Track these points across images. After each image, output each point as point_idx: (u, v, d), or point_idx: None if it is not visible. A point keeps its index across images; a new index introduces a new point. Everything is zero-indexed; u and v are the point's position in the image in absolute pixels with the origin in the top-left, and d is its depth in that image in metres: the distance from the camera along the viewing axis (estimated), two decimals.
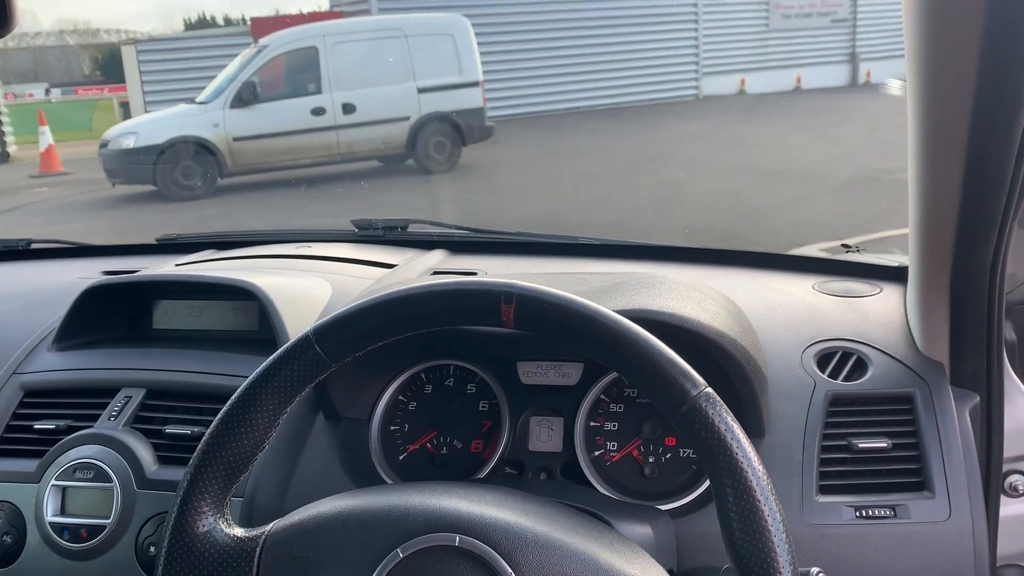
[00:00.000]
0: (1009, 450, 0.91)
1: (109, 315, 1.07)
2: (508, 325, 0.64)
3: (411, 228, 1.40)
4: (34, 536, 0.88)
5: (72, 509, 0.88)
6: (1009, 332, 0.97)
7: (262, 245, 1.37)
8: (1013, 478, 0.93)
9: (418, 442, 0.97)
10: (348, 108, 9.34)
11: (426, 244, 1.33)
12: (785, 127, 9.40)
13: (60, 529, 0.87)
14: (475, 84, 9.85)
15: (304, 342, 0.66)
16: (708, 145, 8.48)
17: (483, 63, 9.98)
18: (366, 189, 8.75)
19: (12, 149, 14.03)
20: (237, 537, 0.65)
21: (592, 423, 0.93)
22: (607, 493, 0.89)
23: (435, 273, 1.19)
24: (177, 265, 1.27)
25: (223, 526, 0.65)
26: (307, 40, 9.70)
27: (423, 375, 0.99)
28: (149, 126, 9.75)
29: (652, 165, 8.23)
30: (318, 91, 9.53)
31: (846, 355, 0.92)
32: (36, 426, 0.95)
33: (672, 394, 0.60)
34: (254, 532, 0.66)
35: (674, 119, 10.99)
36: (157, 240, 1.45)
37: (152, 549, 0.85)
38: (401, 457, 0.96)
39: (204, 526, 0.65)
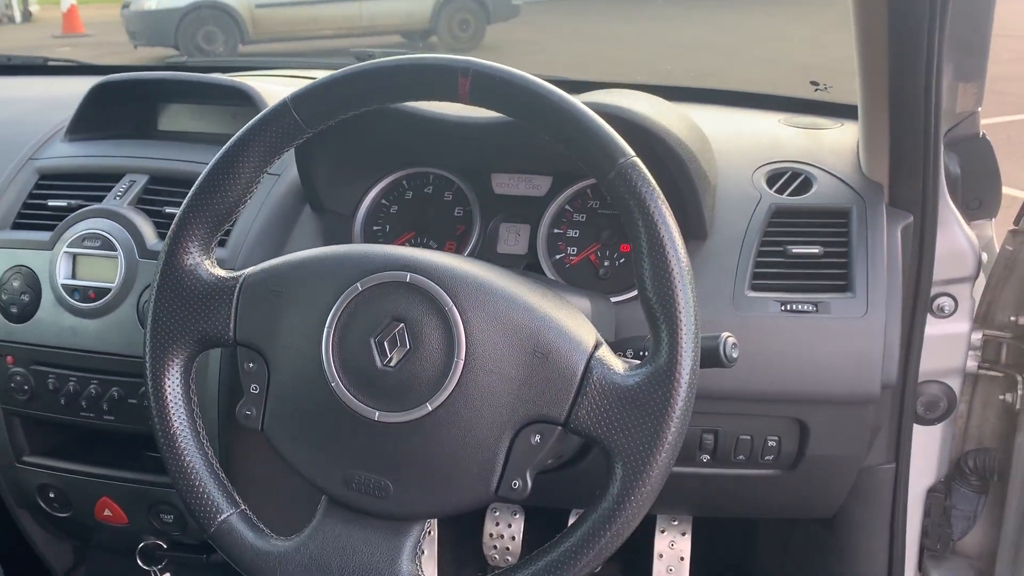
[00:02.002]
0: (940, 273, 0.98)
1: (117, 113, 1.14)
2: (464, 100, 0.71)
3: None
4: (48, 296, 0.99)
5: (81, 274, 0.98)
6: (954, 165, 1.03)
7: (266, 70, 1.43)
8: (941, 300, 1.01)
9: (397, 241, 1.05)
10: None
11: None
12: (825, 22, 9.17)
13: (71, 290, 0.98)
14: None
15: (282, 107, 0.73)
16: (741, 38, 8.29)
17: None
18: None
19: (34, 9, 13.89)
20: (219, 276, 0.74)
21: (555, 230, 1.01)
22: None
23: None
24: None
25: (207, 265, 0.74)
26: None
27: (405, 181, 1.06)
28: None
29: (683, 53, 8.07)
30: None
31: (795, 175, 0.99)
32: (50, 203, 1.04)
33: (602, 161, 0.67)
34: (235, 273, 0.74)
35: (711, 7, 10.68)
36: (165, 63, 1.51)
37: None
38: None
39: (190, 263, 0.73)
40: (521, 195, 1.03)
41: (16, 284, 1.00)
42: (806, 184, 0.98)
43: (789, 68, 6.75)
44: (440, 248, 1.04)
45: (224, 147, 0.74)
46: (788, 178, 0.99)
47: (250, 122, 0.74)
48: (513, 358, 0.67)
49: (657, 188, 0.66)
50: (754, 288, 0.92)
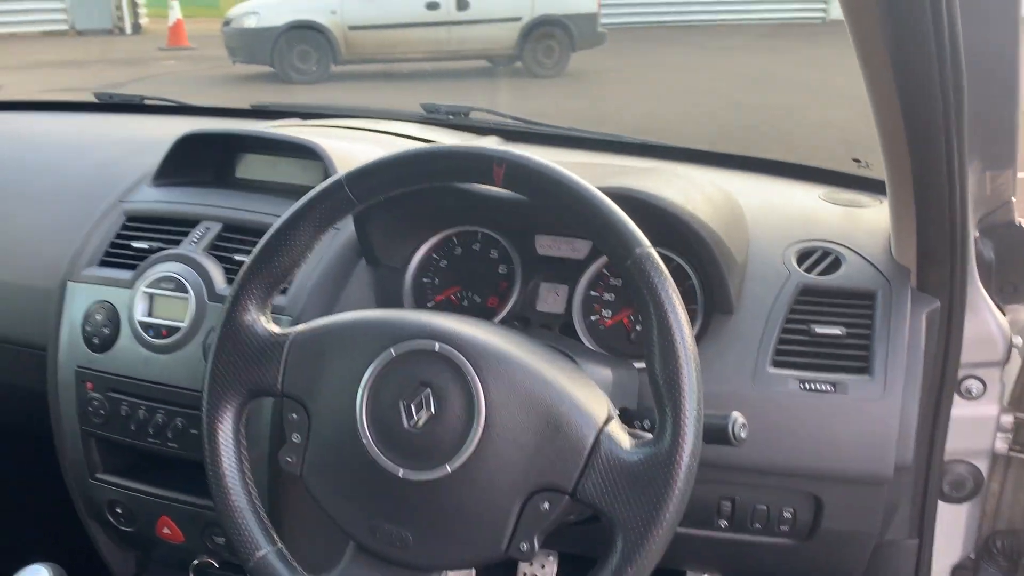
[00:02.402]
0: (969, 356, 1.00)
1: (200, 161, 1.25)
2: (498, 184, 0.78)
3: (473, 115, 1.53)
4: (126, 331, 1.09)
5: (156, 312, 1.08)
6: (988, 251, 1.04)
7: (340, 118, 1.53)
8: (968, 382, 1.02)
9: (444, 293, 1.12)
10: (462, 4, 9.35)
11: (483, 130, 1.47)
12: None
13: (146, 327, 1.08)
14: None
15: (336, 184, 0.81)
16: (825, 72, 8.18)
17: None
18: (470, 87, 8.81)
19: (144, 21, 14.62)
20: (272, 332, 0.82)
21: (592, 292, 1.07)
22: (592, 348, 1.03)
23: None
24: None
25: (263, 322, 0.82)
26: None
27: (455, 238, 1.13)
28: (270, 7, 9.95)
29: (764, 86, 8.00)
30: None
31: (826, 254, 1.02)
32: (133, 244, 1.15)
33: (619, 249, 0.73)
34: (286, 330, 0.82)
35: (795, 41, 10.56)
36: (251, 106, 1.62)
37: None
38: (429, 304, 1.12)
39: (248, 320, 0.82)
40: (562, 257, 1.09)
41: (99, 318, 1.11)
42: (835, 264, 1.01)
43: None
44: (483, 302, 1.11)
45: (282, 216, 0.83)
46: (818, 257, 1.02)
47: (307, 195, 0.83)
48: (528, 428, 0.72)
49: (669, 279, 0.71)
50: (775, 364, 0.96)
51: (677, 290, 0.72)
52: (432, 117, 1.53)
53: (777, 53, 9.94)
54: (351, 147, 1.23)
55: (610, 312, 1.06)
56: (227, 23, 9.64)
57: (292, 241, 0.82)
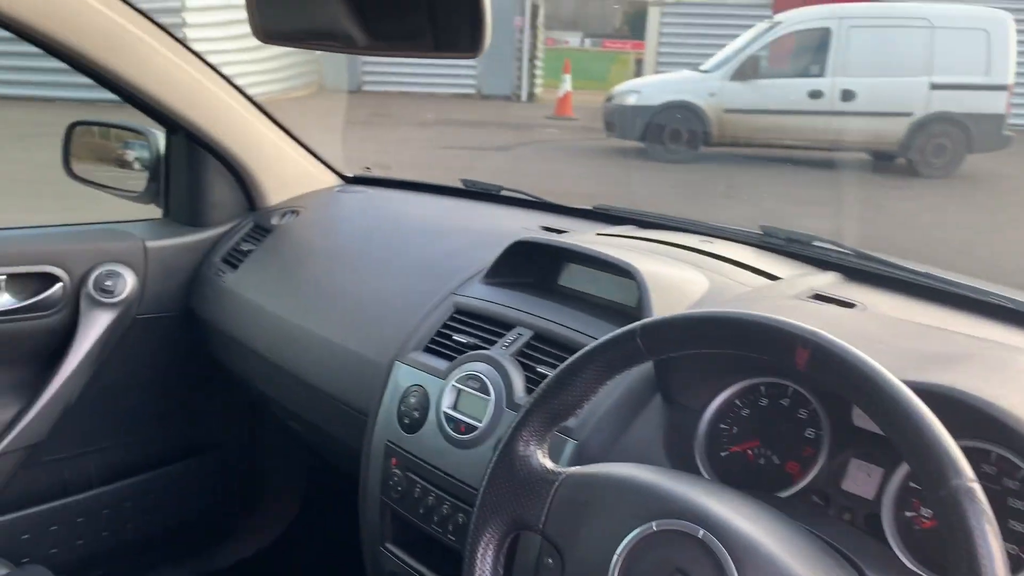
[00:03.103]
0: None
1: (527, 265, 1.31)
2: (800, 368, 0.71)
3: (815, 244, 1.43)
4: (432, 418, 1.17)
5: (460, 407, 1.15)
6: None
7: (673, 231, 1.52)
8: None
9: (741, 446, 1.05)
10: (847, 95, 8.96)
11: (823, 264, 1.36)
12: None
13: (449, 419, 1.14)
14: (1002, 88, 8.75)
15: (629, 334, 0.80)
16: None
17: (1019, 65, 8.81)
18: (842, 178, 8.37)
19: (538, 90, 16.00)
20: (546, 468, 0.82)
21: (912, 484, 0.93)
22: (901, 556, 0.89)
23: (815, 296, 1.22)
24: (598, 234, 1.47)
25: (539, 456, 0.83)
26: (822, 20, 9.44)
27: (762, 387, 1.05)
28: (651, 87, 10.38)
29: None
30: (820, 74, 9.28)
31: None
32: (454, 337, 1.23)
33: (934, 474, 0.62)
34: (560, 469, 0.82)
35: None
36: (594, 208, 1.68)
37: None
38: (723, 454, 1.05)
39: (524, 451, 0.83)
40: (883, 434, 0.97)
41: (413, 400, 1.20)
42: None
43: None
44: (782, 465, 1.01)
45: (573, 357, 0.83)
46: None
47: (600, 340, 0.82)
48: None
49: (992, 522, 0.60)
50: None
51: (998, 534, 0.59)
52: (769, 242, 1.45)
53: None
54: (671, 273, 1.21)
55: (931, 512, 0.91)
56: (609, 99, 10.19)
57: (578, 382, 0.82)
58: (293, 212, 1.75)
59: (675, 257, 1.31)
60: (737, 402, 1.07)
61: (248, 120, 1.70)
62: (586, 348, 0.82)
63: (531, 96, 15.68)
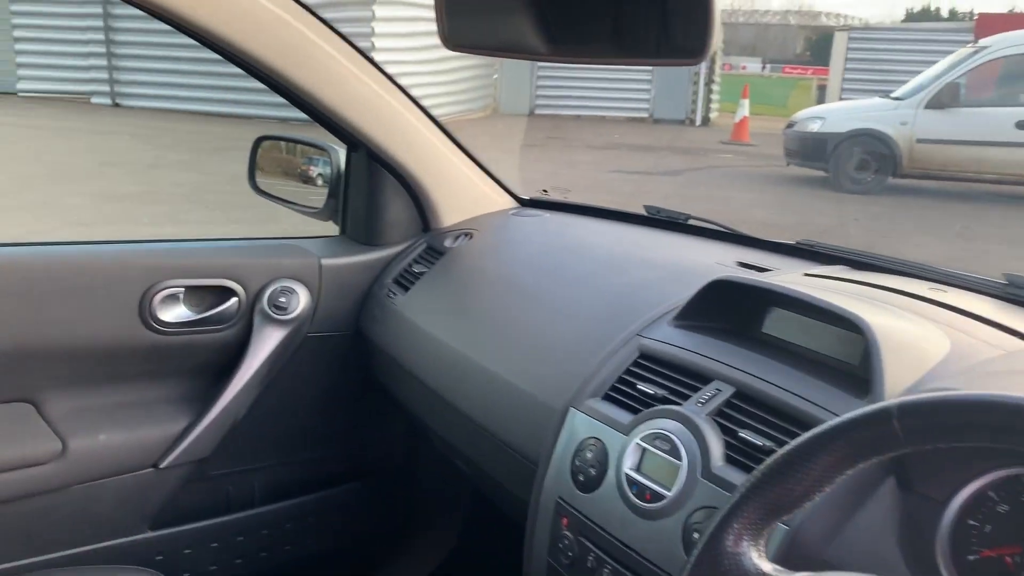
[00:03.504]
0: None
1: (727, 307, 1.15)
2: None
3: None
4: (611, 478, 1.03)
5: (645, 469, 1.00)
6: None
7: (895, 275, 1.31)
8: None
9: (997, 550, 0.84)
10: None
11: None
12: None
13: (631, 483, 1.00)
14: None
15: (883, 413, 0.63)
16: None
17: None
18: None
19: (713, 115, 15.62)
20: (761, 571, 0.67)
21: None
22: None
23: None
24: (806, 275, 1.29)
25: (753, 555, 0.68)
26: None
27: None
28: (837, 114, 9.85)
29: None
30: None
31: None
32: (639, 386, 1.09)
33: None
34: (781, 572, 0.66)
35: None
36: (797, 243, 1.49)
37: (696, 535, 0.92)
38: (971, 558, 0.85)
39: (735, 547, 0.68)
40: None
41: (589, 455, 1.06)
42: None
43: None
44: None
45: (802, 437, 0.67)
46: None
47: (840, 419, 0.66)
48: None
49: None
50: None
51: None
52: (1016, 294, 1.22)
53: None
54: (904, 328, 1.01)
55: None
56: (790, 125, 9.76)
57: (810, 469, 0.66)
58: (466, 235, 1.67)
59: (903, 307, 1.12)
60: (992, 495, 0.87)
61: (428, 139, 1.64)
62: (824, 427, 0.66)
63: (705, 121, 15.32)
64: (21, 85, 13.94)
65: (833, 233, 6.97)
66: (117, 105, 13.49)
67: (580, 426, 1.10)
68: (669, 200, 1.98)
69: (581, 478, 1.06)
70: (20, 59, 13.87)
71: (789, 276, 1.29)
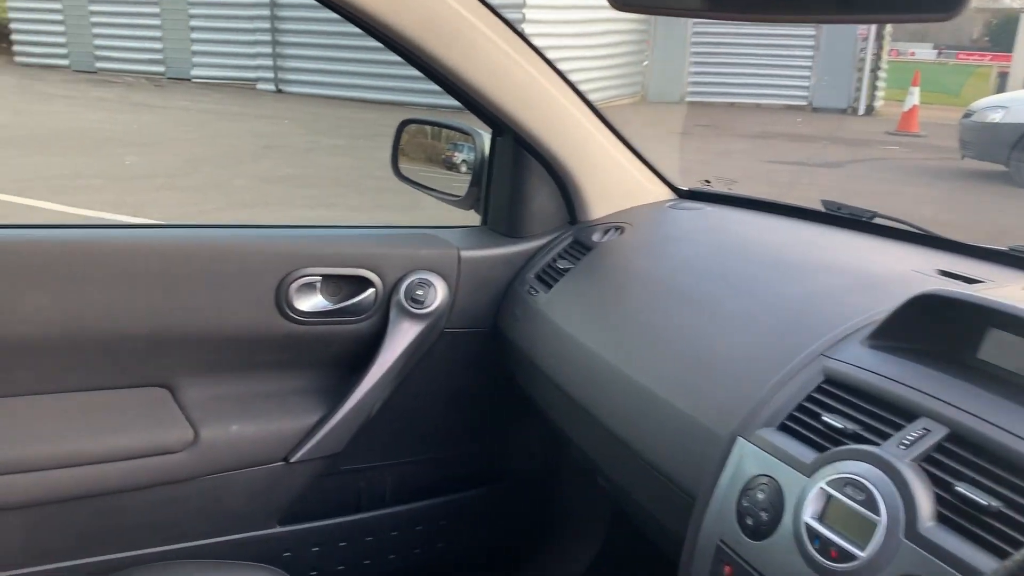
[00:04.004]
0: None
1: (933, 326, 0.96)
2: None
3: None
4: (786, 526, 0.86)
5: (830, 520, 0.83)
6: None
7: None
8: None
9: None
10: None
11: None
12: None
13: (813, 535, 0.83)
14: None
15: None
16: None
17: None
18: None
19: (879, 104, 14.67)
20: None
21: None
22: None
23: None
24: None
25: None
26: None
27: None
28: (1022, 103, 8.98)
29: None
30: None
31: None
32: (823, 417, 0.91)
33: None
34: None
35: None
36: (1010, 249, 1.26)
37: None
38: None
39: None
40: None
41: (760, 496, 0.90)
42: None
43: None
44: None
45: None
46: None
47: None
48: None
49: None
50: None
51: None
52: None
53: None
54: None
55: None
56: (967, 115, 8.99)
57: None
58: (618, 228, 1.53)
59: None
60: None
61: (579, 122, 1.50)
62: None
63: (870, 110, 14.41)
64: (195, 72, 14.84)
65: (1014, 234, 6.34)
66: (280, 91, 14.10)
67: (749, 460, 0.94)
68: (829, 194, 1.77)
69: (750, 522, 0.90)
70: (195, 47, 14.77)
71: (1008, 290, 1.07)
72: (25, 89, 13.78)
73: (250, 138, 9.90)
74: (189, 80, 14.78)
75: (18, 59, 16.34)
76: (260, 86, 14.21)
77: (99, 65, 15.52)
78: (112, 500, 1.33)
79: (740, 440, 0.96)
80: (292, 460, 1.45)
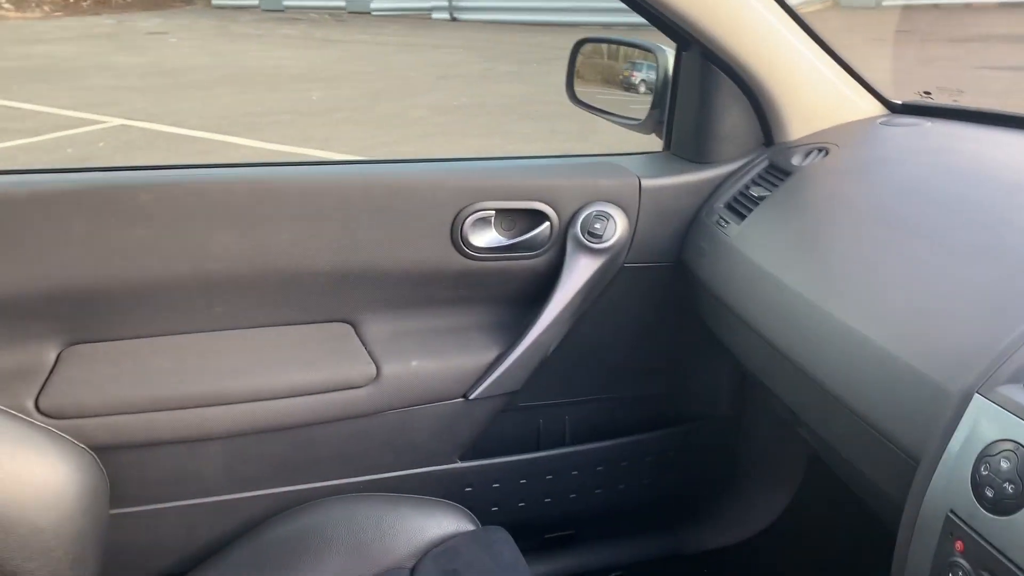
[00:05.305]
0: None
1: None
2: None
3: None
4: None
5: None
6: None
7: None
8: None
9: None
10: None
11: None
12: None
13: None
14: None
15: None
16: None
17: None
18: None
19: None
20: None
21: None
22: None
23: None
24: None
25: None
26: None
27: None
28: None
29: None
30: None
31: None
32: None
33: None
34: None
35: None
36: None
37: None
38: None
39: None
40: None
41: (1004, 465, 0.76)
42: None
43: None
44: None
45: None
46: None
47: None
48: None
49: None
50: None
51: None
52: None
53: None
54: None
55: None
56: None
57: None
58: (822, 150, 1.36)
59: None
60: None
61: (777, 31, 1.34)
62: None
63: None
64: (374, 4, 15.21)
65: None
66: (454, 19, 14.19)
67: (989, 421, 0.80)
68: None
69: (989, 493, 0.77)
70: None
71: None
72: (221, 31, 14.65)
73: (426, 68, 10.04)
74: (369, 13, 15.16)
75: (215, 2, 17.37)
76: (435, 15, 14.36)
77: (286, 3, 16.23)
78: (303, 432, 1.36)
79: (978, 397, 0.82)
80: (471, 397, 1.43)
